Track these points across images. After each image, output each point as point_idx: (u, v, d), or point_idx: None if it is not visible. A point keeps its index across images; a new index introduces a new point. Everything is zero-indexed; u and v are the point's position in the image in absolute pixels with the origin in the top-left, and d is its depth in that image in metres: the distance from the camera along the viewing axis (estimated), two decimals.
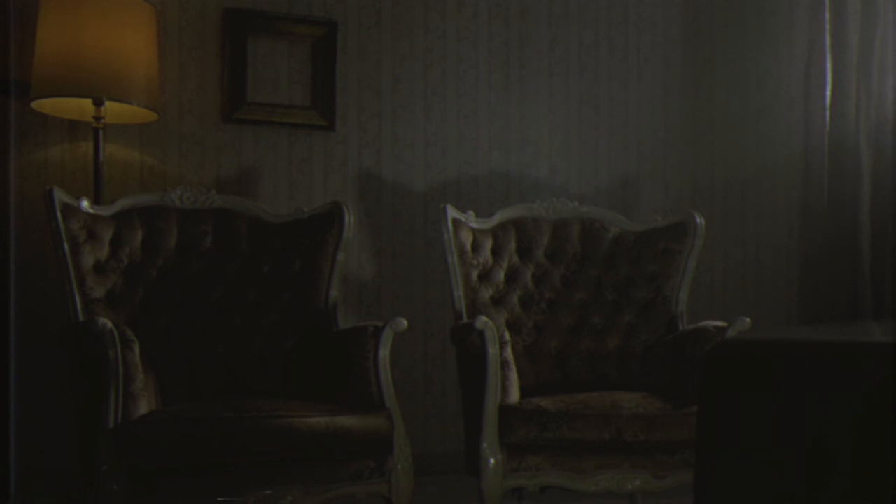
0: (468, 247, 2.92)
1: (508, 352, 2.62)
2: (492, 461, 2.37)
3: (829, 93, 3.79)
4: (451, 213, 2.88)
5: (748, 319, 2.55)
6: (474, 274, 2.91)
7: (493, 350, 2.43)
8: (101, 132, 2.83)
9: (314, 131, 3.35)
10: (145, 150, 3.14)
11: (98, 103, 2.75)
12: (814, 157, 3.87)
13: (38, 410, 2.97)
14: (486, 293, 2.92)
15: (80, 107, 2.83)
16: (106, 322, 2.14)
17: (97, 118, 2.79)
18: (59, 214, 2.50)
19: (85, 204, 2.61)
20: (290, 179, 3.32)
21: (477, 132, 3.57)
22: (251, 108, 3.26)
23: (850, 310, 3.68)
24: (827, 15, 3.77)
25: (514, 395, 2.53)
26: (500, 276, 2.98)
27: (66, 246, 2.50)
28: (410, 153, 3.49)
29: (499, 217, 3.07)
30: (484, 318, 2.44)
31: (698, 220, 2.95)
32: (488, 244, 2.99)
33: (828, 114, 3.79)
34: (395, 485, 2.33)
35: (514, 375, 2.57)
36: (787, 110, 3.99)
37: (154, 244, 2.72)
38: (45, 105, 2.80)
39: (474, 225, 2.99)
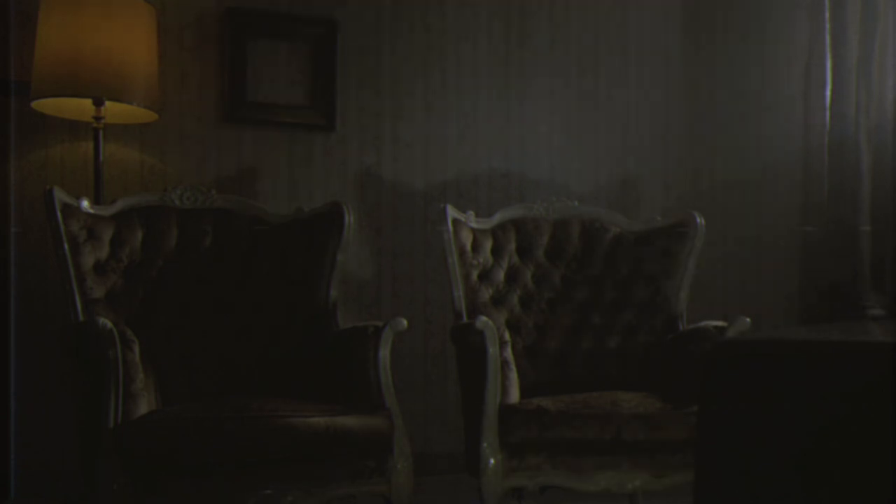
0: (468, 247, 2.92)
1: (508, 352, 2.62)
2: (492, 461, 2.37)
3: (829, 93, 3.79)
4: (451, 213, 2.88)
5: (748, 319, 2.55)
6: (474, 274, 2.91)
7: (493, 350, 2.43)
8: (101, 132, 2.83)
9: (314, 131, 3.35)
10: (145, 150, 3.14)
11: (98, 103, 2.75)
12: (814, 157, 3.87)
13: (38, 410, 2.97)
14: (486, 293, 2.92)
15: (80, 107, 2.83)
16: (106, 322, 2.14)
17: (97, 118, 2.79)
18: (59, 214, 2.50)
19: (85, 204, 2.61)
20: (290, 179, 3.32)
21: (477, 132, 3.57)
22: (251, 108, 3.26)
23: (851, 310, 3.68)
24: (827, 15, 3.77)
25: (515, 395, 2.53)
26: (500, 275, 2.98)
27: (66, 246, 2.50)
28: (410, 153, 3.49)
29: (499, 217, 3.07)
30: (484, 318, 2.44)
31: (698, 220, 2.95)
32: (488, 244, 2.99)
33: (828, 114, 3.79)
34: (395, 485, 2.33)
35: (514, 375, 2.57)
36: (787, 110, 3.99)
37: (154, 244, 2.72)
38: (45, 105, 2.80)
39: (474, 225, 2.99)
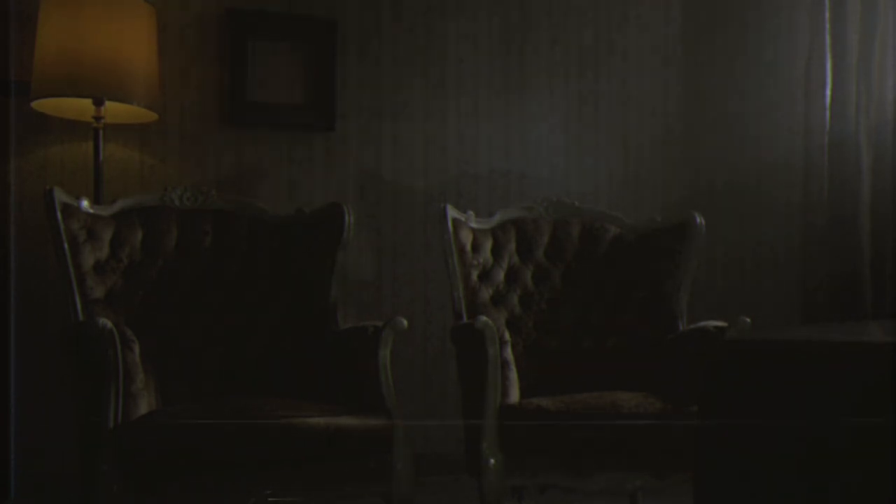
0: (468, 247, 2.92)
1: (508, 352, 2.62)
2: (492, 461, 2.37)
3: (829, 93, 3.78)
4: (451, 213, 2.88)
5: (748, 319, 2.55)
6: (474, 274, 2.91)
7: (493, 350, 2.42)
8: (100, 132, 2.83)
9: (314, 131, 3.35)
10: (145, 150, 3.14)
11: (98, 103, 2.75)
12: (814, 157, 3.87)
13: (38, 410, 2.97)
14: (486, 293, 2.92)
15: (80, 107, 2.83)
16: (106, 322, 2.14)
17: (97, 118, 2.79)
18: (59, 214, 2.50)
19: (85, 204, 2.61)
20: (290, 179, 3.32)
21: (477, 132, 3.57)
22: (251, 108, 3.25)
23: (851, 310, 3.68)
24: (827, 15, 3.76)
25: (514, 395, 2.53)
26: (500, 275, 2.98)
27: (66, 246, 2.50)
28: (410, 153, 3.48)
29: (499, 217, 3.07)
30: (484, 318, 2.44)
31: (698, 220, 2.95)
32: (488, 244, 2.99)
33: (828, 114, 3.78)
34: (395, 485, 2.33)
35: (514, 375, 2.57)
36: (787, 110, 3.98)
37: (154, 244, 2.72)
38: (45, 105, 2.80)
39: (474, 225, 2.99)
